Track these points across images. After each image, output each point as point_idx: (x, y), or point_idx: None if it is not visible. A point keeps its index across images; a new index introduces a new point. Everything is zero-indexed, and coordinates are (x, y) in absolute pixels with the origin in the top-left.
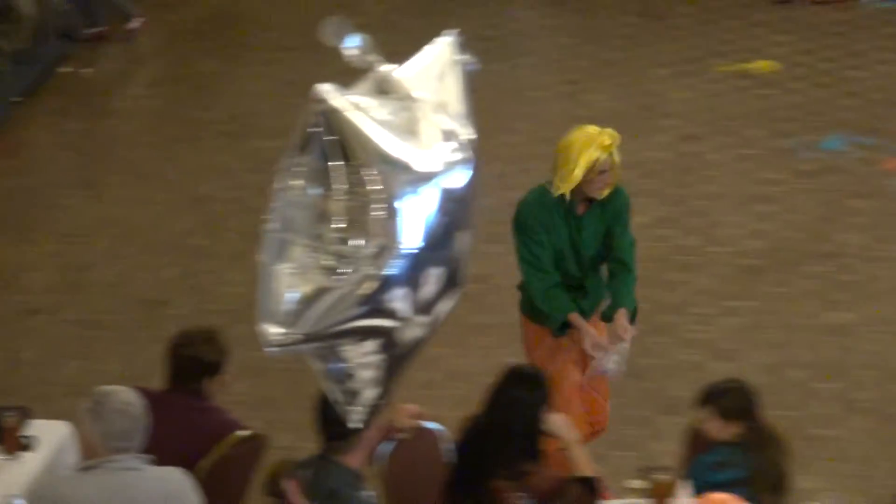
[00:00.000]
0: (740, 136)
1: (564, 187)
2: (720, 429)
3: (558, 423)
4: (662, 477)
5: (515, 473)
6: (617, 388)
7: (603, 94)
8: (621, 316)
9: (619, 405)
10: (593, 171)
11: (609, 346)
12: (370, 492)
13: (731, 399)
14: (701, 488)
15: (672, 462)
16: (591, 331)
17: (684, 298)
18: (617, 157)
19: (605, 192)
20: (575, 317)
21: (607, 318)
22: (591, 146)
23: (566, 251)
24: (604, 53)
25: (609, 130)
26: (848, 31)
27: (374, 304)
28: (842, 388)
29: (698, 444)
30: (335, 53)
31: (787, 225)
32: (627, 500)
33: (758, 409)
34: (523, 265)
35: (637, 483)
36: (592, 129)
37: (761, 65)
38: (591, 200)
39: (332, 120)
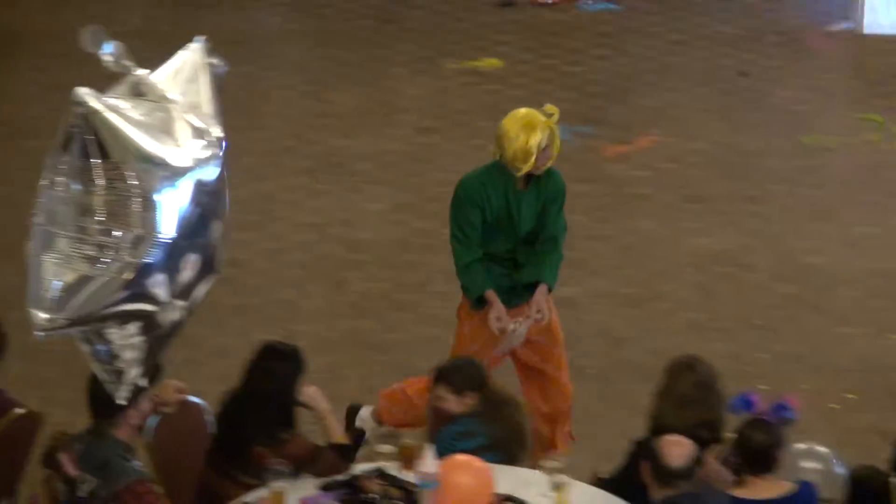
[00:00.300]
0: (471, 128)
1: (525, 167)
2: (455, 403)
3: (312, 394)
4: (409, 441)
5: (273, 440)
6: (364, 362)
7: (344, 93)
8: (540, 291)
9: (365, 376)
10: (539, 148)
11: (512, 322)
12: (139, 462)
13: (461, 375)
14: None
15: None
16: (500, 307)
17: (424, 278)
18: (557, 134)
19: (547, 167)
20: (490, 293)
21: (514, 285)
22: (536, 127)
23: (503, 226)
24: (343, 55)
25: (549, 108)
26: (566, 30)
27: (135, 290)
28: (571, 356)
29: (440, 416)
30: (96, 59)
31: None
32: (377, 464)
33: (488, 380)
34: (452, 240)
35: (385, 448)
36: (526, 111)
37: (487, 62)
38: (529, 178)
39: (92, 121)
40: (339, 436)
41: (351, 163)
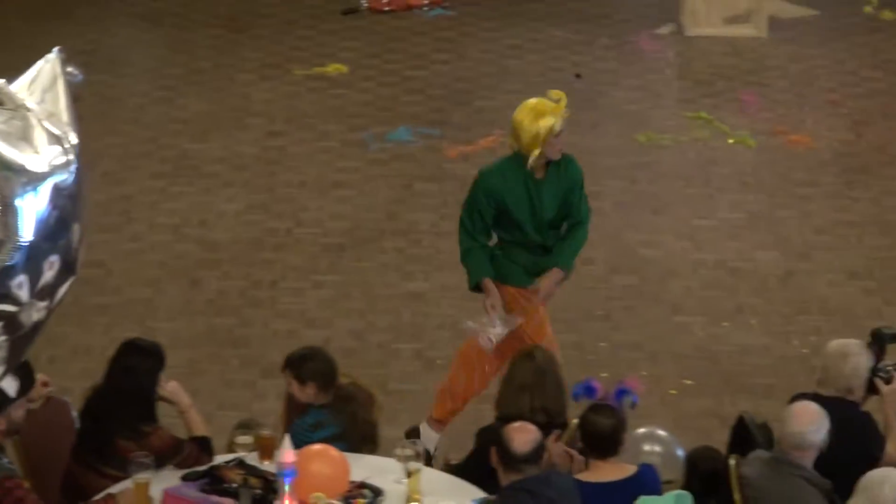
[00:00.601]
0: (318, 131)
1: (536, 151)
2: (299, 390)
3: (173, 389)
4: (264, 433)
5: (136, 434)
6: (221, 357)
7: (196, 98)
8: (549, 276)
9: (223, 371)
10: (552, 134)
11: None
12: (7, 458)
13: (304, 365)
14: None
15: (275, 419)
16: (496, 296)
17: (278, 275)
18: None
19: (560, 153)
20: (487, 281)
21: (542, 270)
22: (546, 114)
23: (526, 215)
24: (194, 62)
25: (555, 94)
26: (408, 36)
27: None
28: (420, 348)
29: (294, 406)
30: None
31: (364, 207)
32: (236, 455)
33: (336, 372)
34: (461, 226)
35: (242, 439)
36: (535, 100)
37: (334, 68)
38: (548, 165)
39: None
40: (200, 429)
41: (205, 166)
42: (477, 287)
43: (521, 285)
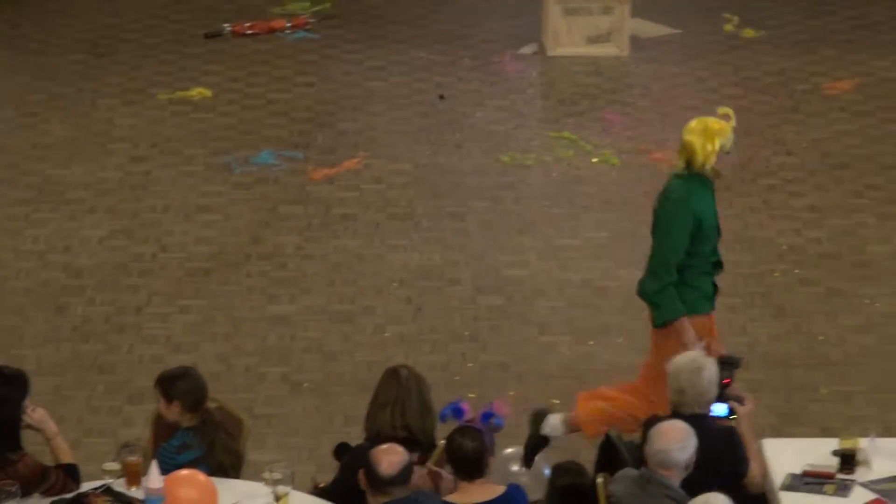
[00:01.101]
0: (182, 156)
1: (710, 168)
2: (165, 408)
3: (40, 417)
4: (131, 458)
5: (2, 461)
6: (88, 383)
7: (59, 124)
8: None
9: (90, 397)
10: (723, 150)
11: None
12: None
13: (174, 384)
14: (170, 470)
15: (143, 445)
16: (692, 331)
17: (143, 300)
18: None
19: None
20: (684, 320)
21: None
22: (722, 132)
23: (714, 232)
24: (56, 88)
25: (721, 111)
26: (271, 59)
27: None
28: (287, 372)
29: (162, 428)
30: None
31: (228, 231)
32: (104, 481)
33: (205, 395)
34: (661, 261)
35: (109, 465)
36: (705, 120)
37: (197, 92)
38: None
39: None
40: (67, 456)
41: (69, 191)
42: (663, 324)
43: (705, 312)
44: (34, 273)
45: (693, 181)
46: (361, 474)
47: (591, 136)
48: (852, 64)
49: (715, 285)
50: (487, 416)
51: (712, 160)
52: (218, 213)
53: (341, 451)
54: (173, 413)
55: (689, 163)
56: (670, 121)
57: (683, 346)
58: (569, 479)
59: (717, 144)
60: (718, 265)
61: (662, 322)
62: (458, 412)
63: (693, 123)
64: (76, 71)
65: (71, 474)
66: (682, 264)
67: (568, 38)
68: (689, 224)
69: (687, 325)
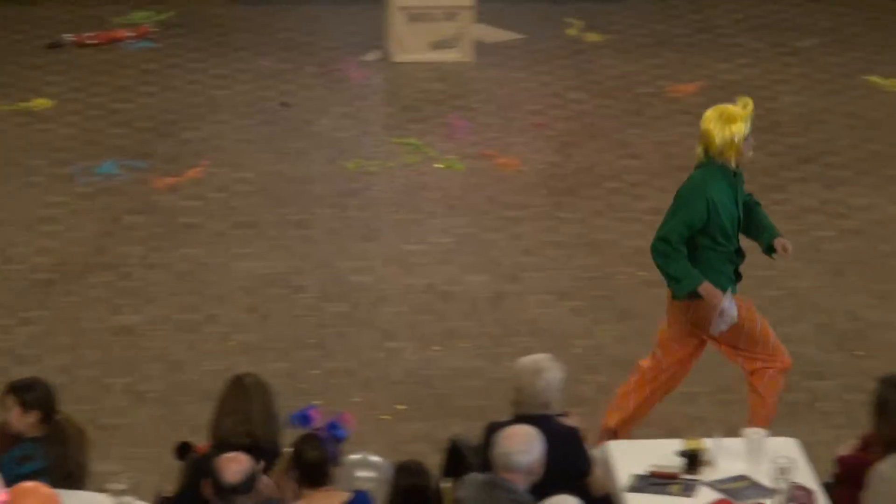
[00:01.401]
0: (24, 167)
1: (734, 157)
2: (19, 416)
3: None
4: None
5: None
6: None
7: None
8: (781, 240)
9: None
10: (742, 136)
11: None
12: None
13: (30, 392)
14: (11, 481)
15: None
16: (718, 293)
17: None
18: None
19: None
20: (707, 284)
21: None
22: (736, 119)
23: (735, 217)
24: None
25: (740, 100)
26: (113, 69)
27: None
28: (131, 382)
29: (3, 439)
30: None
31: (71, 241)
32: None
33: (56, 404)
34: (663, 243)
35: None
36: (721, 108)
37: (39, 102)
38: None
39: None
40: None
41: None
42: (689, 294)
43: (726, 288)
44: None
45: (712, 170)
46: (206, 483)
47: (435, 141)
48: (695, 67)
49: (738, 272)
50: (332, 426)
51: (731, 149)
52: (61, 223)
53: (183, 450)
54: (27, 423)
55: (707, 151)
56: (514, 126)
57: (714, 309)
58: (410, 480)
59: (734, 131)
60: (739, 253)
61: (684, 293)
62: (305, 419)
63: (709, 112)
64: None
65: None
66: (705, 247)
67: (412, 45)
68: (699, 209)
69: (711, 287)
